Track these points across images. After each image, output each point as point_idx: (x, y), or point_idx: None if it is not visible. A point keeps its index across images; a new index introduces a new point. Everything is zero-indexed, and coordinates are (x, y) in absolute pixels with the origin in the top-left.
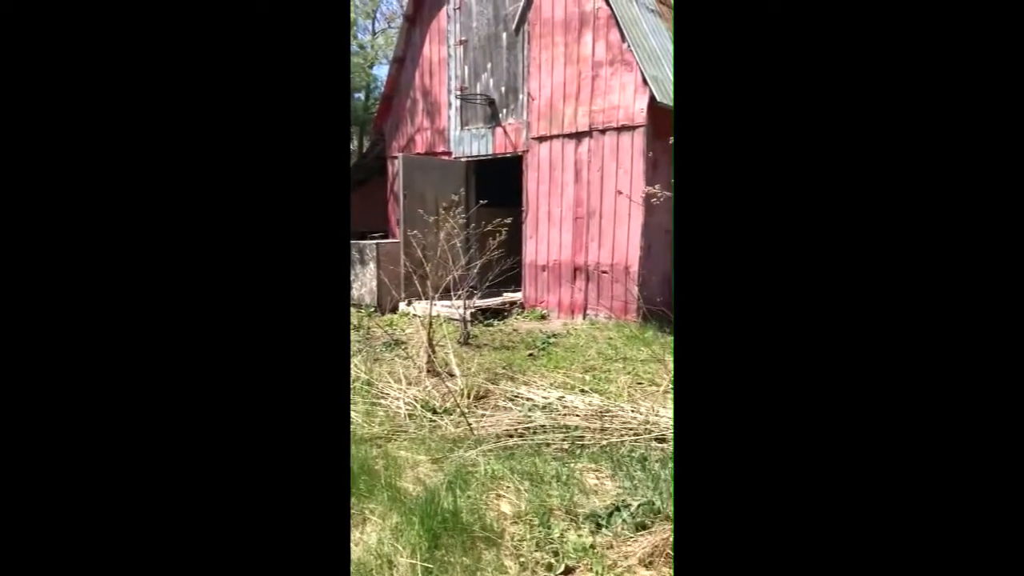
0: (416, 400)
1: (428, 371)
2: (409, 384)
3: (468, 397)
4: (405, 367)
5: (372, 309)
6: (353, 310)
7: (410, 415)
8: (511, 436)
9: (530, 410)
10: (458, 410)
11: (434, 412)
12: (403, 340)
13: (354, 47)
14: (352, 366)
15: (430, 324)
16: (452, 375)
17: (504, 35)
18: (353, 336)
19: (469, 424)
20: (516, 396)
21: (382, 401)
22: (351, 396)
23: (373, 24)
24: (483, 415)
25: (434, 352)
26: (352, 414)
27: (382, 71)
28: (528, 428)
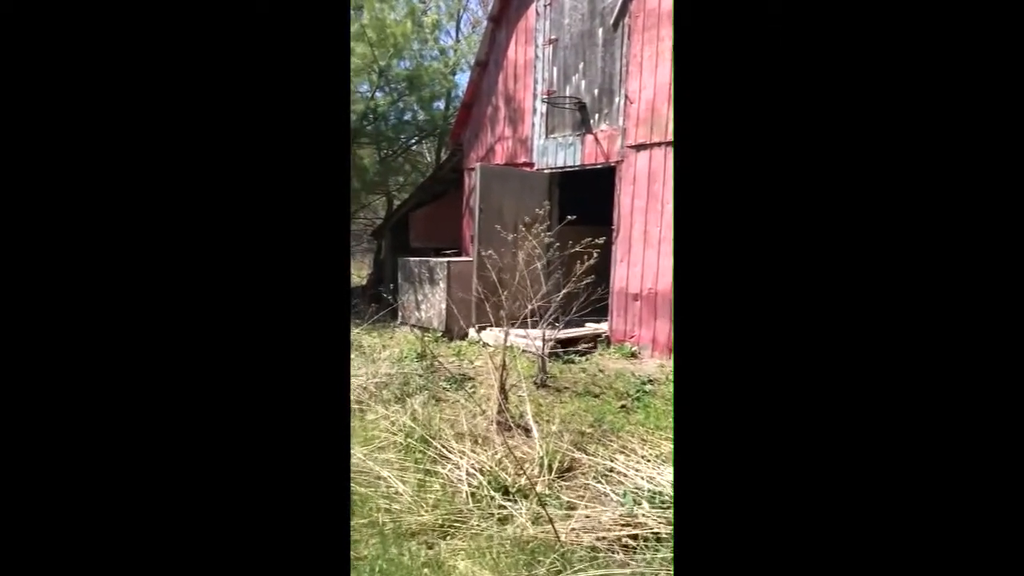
0: (483, 470)
1: (498, 423)
2: (475, 442)
3: (549, 471)
4: (471, 414)
5: (440, 334)
6: (419, 335)
7: (474, 493)
8: (612, 549)
9: (635, 502)
10: (536, 493)
11: (505, 492)
12: (471, 376)
13: (435, 52)
14: (410, 410)
15: (503, 367)
16: (528, 431)
17: (600, 31)
18: (416, 368)
19: (552, 523)
20: (610, 472)
21: (440, 467)
22: (406, 456)
23: (457, 28)
24: (569, 503)
25: (506, 399)
26: (401, 485)
27: (464, 79)
28: (634, 536)
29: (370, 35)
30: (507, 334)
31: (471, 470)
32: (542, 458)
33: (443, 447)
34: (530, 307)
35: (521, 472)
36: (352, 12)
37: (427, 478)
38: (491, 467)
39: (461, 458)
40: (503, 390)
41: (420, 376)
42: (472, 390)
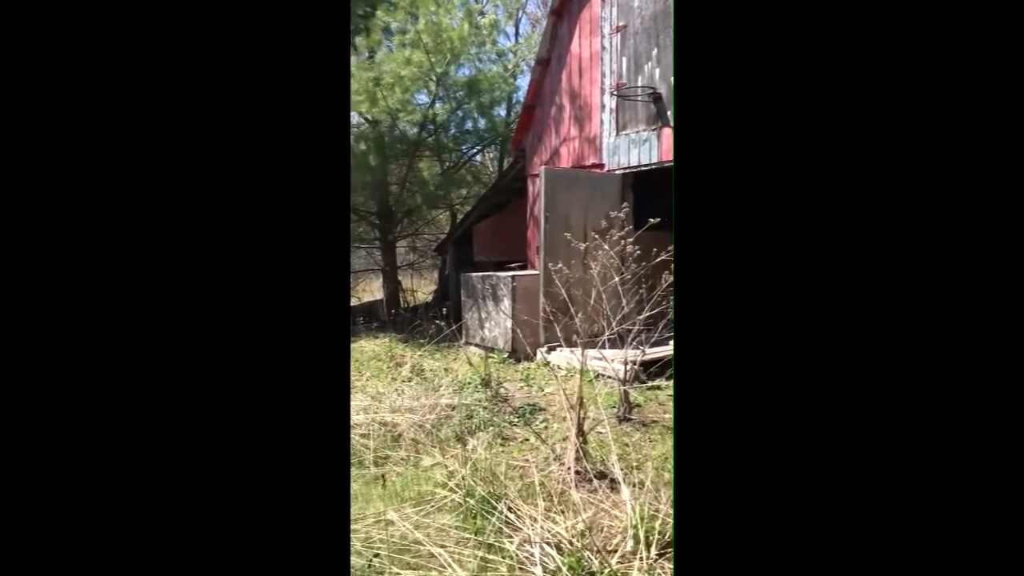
0: (561, 546)
1: (576, 471)
2: (549, 502)
3: (646, 546)
4: (543, 460)
5: (505, 356)
6: (483, 357)
7: None
8: None
9: None
10: None
11: None
12: (541, 407)
13: (493, 55)
14: (473, 454)
15: (579, 404)
16: (614, 483)
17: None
18: (480, 398)
19: None
20: None
21: (507, 539)
22: (465, 522)
23: (516, 28)
24: None
25: (585, 440)
26: (459, 571)
27: (525, 81)
28: None
29: (426, 41)
30: (584, 357)
31: (546, 546)
32: (635, 527)
33: (511, 509)
34: (608, 325)
35: (610, 550)
36: (407, 18)
37: (490, 557)
38: (572, 540)
39: (533, 527)
40: (581, 431)
41: (484, 408)
42: (543, 425)
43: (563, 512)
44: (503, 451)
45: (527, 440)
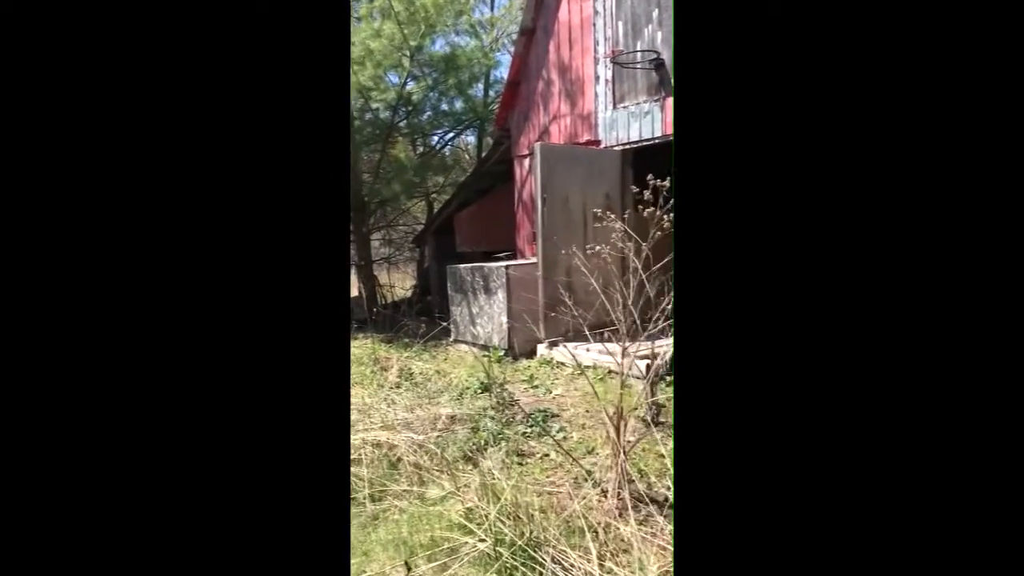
0: None
1: (617, 495)
2: (599, 542)
3: None
4: (574, 482)
5: (502, 353)
6: (478, 356)
7: None
8: None
9: None
10: None
11: None
12: (554, 412)
13: (470, 27)
14: (485, 472)
15: (619, 416)
16: (663, 506)
17: None
18: (484, 405)
19: None
20: None
21: None
22: None
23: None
24: None
25: (626, 457)
26: None
27: (505, 58)
28: None
29: (398, 10)
30: (626, 359)
31: None
32: None
33: (556, 559)
34: (624, 317)
35: None
36: None
37: None
38: None
39: None
40: (621, 448)
41: (492, 418)
42: (562, 434)
43: (620, 555)
44: (522, 471)
45: (547, 455)
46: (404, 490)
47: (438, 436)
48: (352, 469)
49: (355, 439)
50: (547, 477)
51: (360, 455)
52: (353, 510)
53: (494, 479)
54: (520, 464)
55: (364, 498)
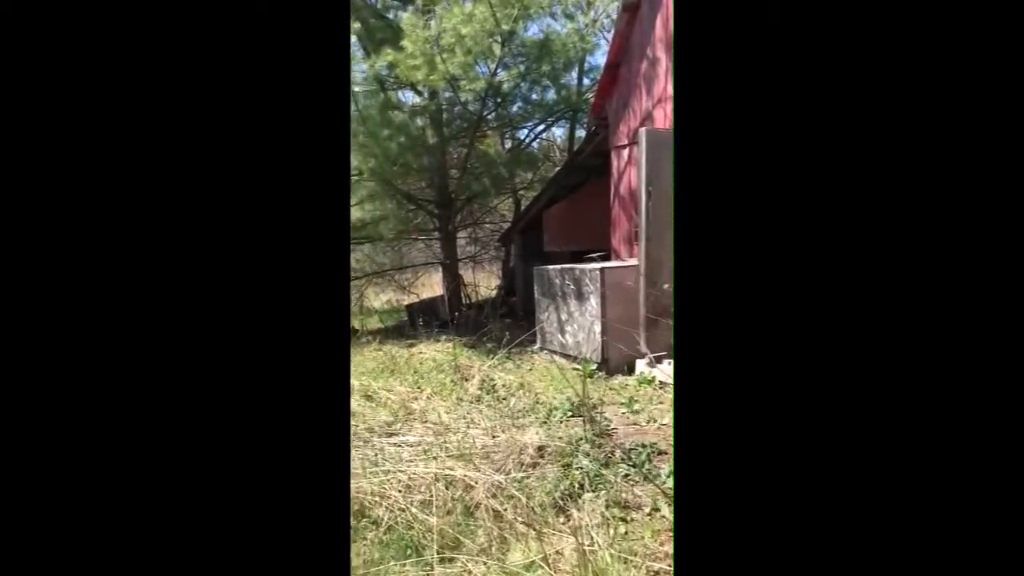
0: None
1: None
2: None
3: None
4: None
5: (594, 368)
6: (566, 367)
7: None
8: None
9: None
10: None
11: None
12: (661, 448)
13: (569, 7)
14: (580, 530)
15: None
16: None
17: None
18: (577, 435)
19: None
20: None
21: None
22: None
23: None
24: None
25: None
26: None
27: (603, 41)
28: None
29: None
30: None
31: None
32: None
33: None
34: None
35: None
36: None
37: None
38: None
39: None
40: None
41: (587, 454)
42: (672, 480)
43: None
44: (627, 532)
45: (657, 511)
46: (482, 549)
47: (524, 476)
48: (418, 513)
49: (426, 470)
50: (659, 543)
51: (430, 494)
52: (419, 572)
53: (592, 543)
54: (624, 520)
55: (432, 557)
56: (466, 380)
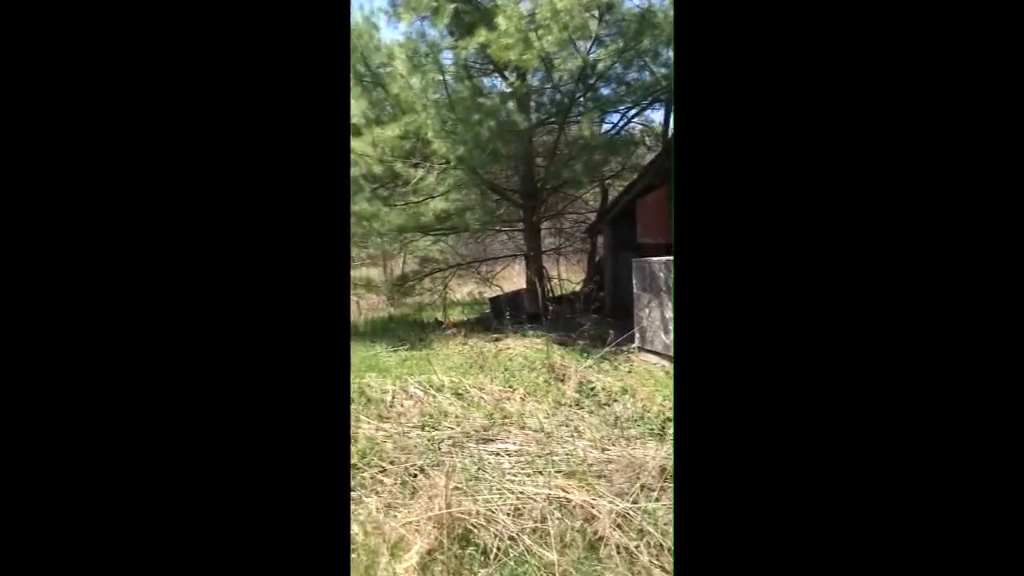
0: None
1: None
2: None
3: None
4: None
5: None
6: (655, 370)
7: None
8: None
9: None
10: None
11: None
12: None
13: None
14: None
15: None
16: None
17: None
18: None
19: None
20: None
21: None
22: None
23: None
24: None
25: None
26: None
27: None
28: None
29: None
30: None
31: None
32: None
33: None
34: None
35: None
36: None
37: None
38: None
39: None
40: None
41: None
42: None
43: None
44: None
45: None
46: None
47: (653, 505)
48: (533, 544)
49: (536, 490)
50: None
51: (545, 521)
52: None
53: None
54: None
55: None
56: (561, 381)
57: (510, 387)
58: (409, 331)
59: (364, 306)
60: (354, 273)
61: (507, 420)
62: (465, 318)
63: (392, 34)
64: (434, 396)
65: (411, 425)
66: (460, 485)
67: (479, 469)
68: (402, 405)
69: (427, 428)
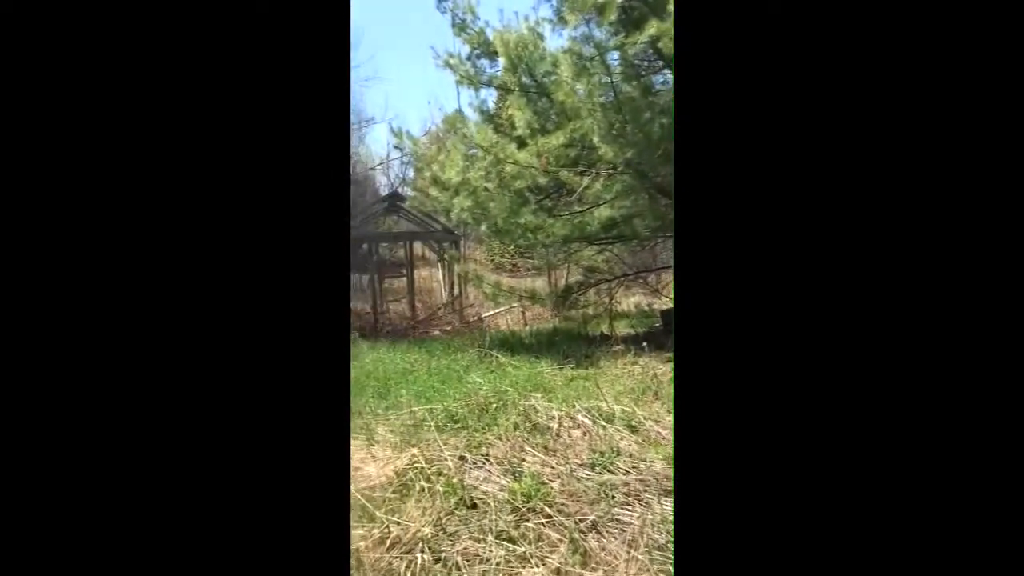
0: None
1: None
2: None
3: None
4: None
5: None
6: None
7: None
8: None
9: None
10: None
11: None
12: None
13: None
14: None
15: None
16: None
17: None
18: None
19: None
20: None
21: None
22: None
23: None
24: None
25: None
26: None
27: None
28: None
29: None
30: None
31: None
32: None
33: None
34: None
35: None
36: None
37: None
38: None
39: None
40: None
41: None
42: None
43: None
44: None
45: None
46: None
47: None
48: None
49: None
50: None
51: None
52: None
53: None
54: None
55: None
56: None
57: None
58: (574, 346)
59: (529, 316)
60: (519, 284)
61: None
62: (633, 331)
63: (559, 41)
64: (604, 427)
65: (579, 463)
66: (640, 554)
67: (666, 531)
68: (570, 436)
69: (598, 468)
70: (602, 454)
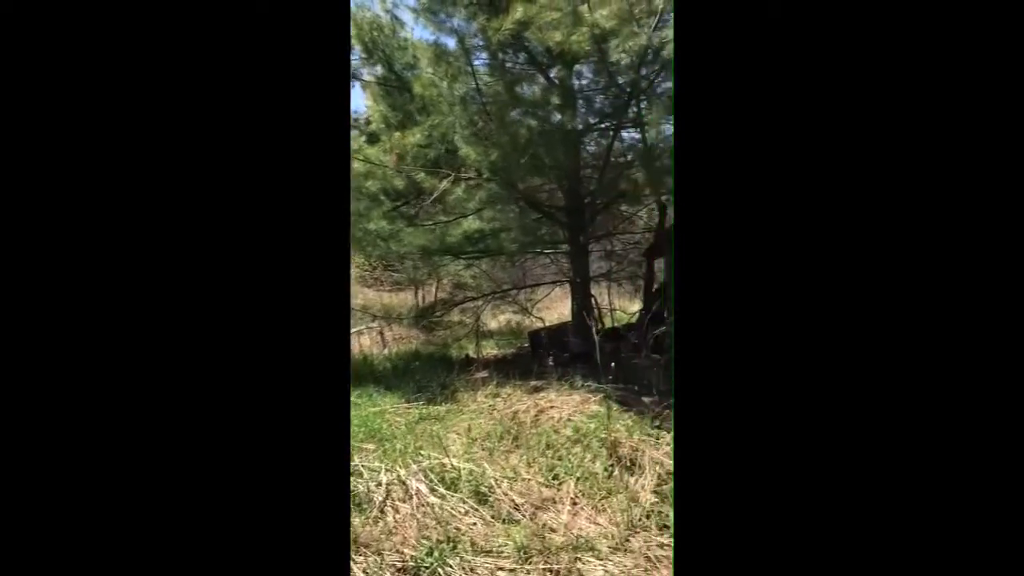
0: None
1: None
2: None
3: None
4: None
5: None
6: None
7: None
8: None
9: None
10: None
11: None
12: None
13: None
14: None
15: None
16: None
17: None
18: None
19: None
20: None
21: None
22: None
23: None
24: None
25: None
26: None
27: None
28: None
29: None
30: None
31: None
32: None
33: None
34: None
35: None
36: None
37: None
38: None
39: None
40: None
41: None
42: None
43: None
44: None
45: None
46: None
47: None
48: None
49: None
50: None
51: None
52: None
53: None
54: None
55: None
56: (630, 471)
57: (554, 479)
58: (432, 373)
59: (389, 338)
60: (380, 301)
61: (559, 550)
62: (500, 353)
63: (422, 32)
64: (443, 497)
65: (398, 565)
66: None
67: None
68: (396, 514)
69: (422, 567)
70: (434, 544)
